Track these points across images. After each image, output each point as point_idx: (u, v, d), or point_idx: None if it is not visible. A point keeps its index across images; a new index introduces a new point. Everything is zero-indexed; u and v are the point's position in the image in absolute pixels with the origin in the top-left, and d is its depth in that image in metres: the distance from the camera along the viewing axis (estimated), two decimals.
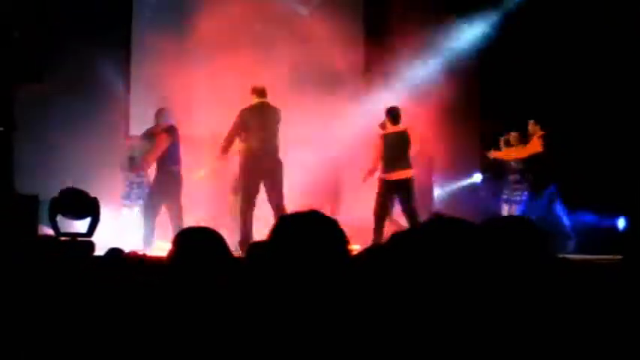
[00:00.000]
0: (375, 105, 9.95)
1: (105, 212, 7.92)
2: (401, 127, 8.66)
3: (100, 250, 5.98)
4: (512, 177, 9.64)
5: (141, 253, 8.43)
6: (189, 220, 8.59)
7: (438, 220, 2.11)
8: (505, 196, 9.66)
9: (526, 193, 9.55)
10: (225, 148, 8.60)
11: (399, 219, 8.78)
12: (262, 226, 8.55)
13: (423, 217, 8.18)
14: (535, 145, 9.34)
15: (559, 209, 9.26)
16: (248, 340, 2.08)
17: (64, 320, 2.91)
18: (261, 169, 8.48)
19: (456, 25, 10.20)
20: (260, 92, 8.65)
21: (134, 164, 9.70)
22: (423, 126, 9.51)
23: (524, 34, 10.12)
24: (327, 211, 2.34)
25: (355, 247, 2.46)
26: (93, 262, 4.76)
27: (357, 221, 9.36)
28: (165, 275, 2.75)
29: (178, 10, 10.40)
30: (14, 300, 3.08)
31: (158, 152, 9.09)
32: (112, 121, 10.30)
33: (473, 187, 10.48)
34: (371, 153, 8.72)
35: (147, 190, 9.50)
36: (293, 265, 2.10)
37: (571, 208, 9.37)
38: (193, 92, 9.91)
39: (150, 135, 9.38)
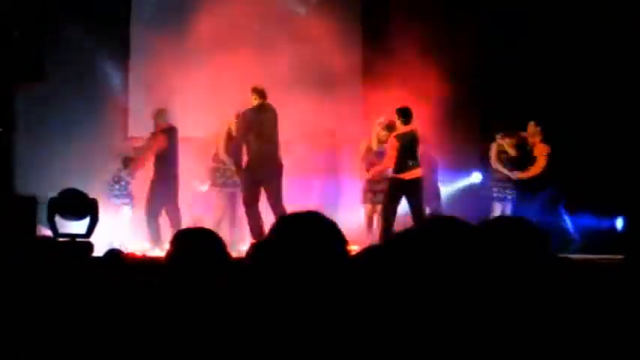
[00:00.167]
0: (374, 105, 9.96)
1: (105, 212, 7.93)
2: (412, 126, 8.77)
3: (104, 249, 5.97)
4: (499, 174, 9.58)
5: (141, 253, 8.48)
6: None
7: (437, 220, 2.10)
8: (495, 195, 9.59)
9: (514, 191, 9.54)
10: (239, 156, 8.69)
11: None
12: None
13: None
14: (539, 166, 9.28)
15: (561, 212, 9.25)
16: (247, 341, 2.07)
17: (63, 321, 2.91)
18: (264, 170, 8.54)
19: (455, 25, 10.19)
20: (261, 93, 8.69)
21: (129, 165, 9.69)
22: (423, 126, 9.51)
23: (524, 34, 10.12)
24: (325, 212, 2.34)
25: (354, 248, 2.45)
26: (92, 263, 4.76)
27: (358, 221, 9.44)
28: (163, 276, 2.75)
29: (178, 10, 10.40)
30: (13, 301, 3.08)
31: (153, 151, 9.11)
32: (112, 121, 10.30)
33: (472, 187, 10.46)
34: (388, 153, 8.78)
35: (128, 190, 9.53)
36: (292, 265, 2.10)
37: (570, 208, 9.36)
38: (193, 92, 9.91)
39: (149, 136, 9.41)
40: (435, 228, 2.09)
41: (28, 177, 8.85)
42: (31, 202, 7.33)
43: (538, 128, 9.36)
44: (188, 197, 9.61)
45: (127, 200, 9.78)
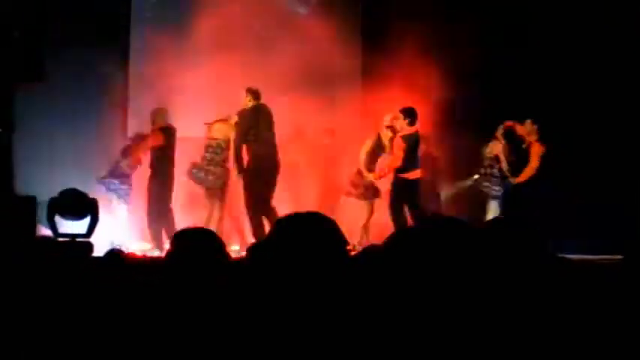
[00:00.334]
0: (374, 105, 9.96)
1: (104, 213, 7.93)
2: (416, 127, 8.92)
3: (104, 248, 5.98)
4: (491, 170, 9.53)
5: (141, 253, 8.49)
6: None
7: (436, 221, 2.11)
8: (495, 193, 9.53)
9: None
10: (240, 157, 8.76)
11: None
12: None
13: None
14: (532, 168, 9.23)
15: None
16: (247, 341, 2.07)
17: (62, 321, 2.91)
18: (267, 169, 8.63)
19: (455, 25, 10.17)
20: (255, 94, 8.83)
21: (127, 155, 9.61)
22: (423, 126, 9.51)
23: (525, 34, 10.11)
24: (325, 212, 2.34)
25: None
26: (92, 263, 4.76)
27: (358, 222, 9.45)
28: (163, 276, 2.75)
29: (178, 10, 10.39)
30: (13, 301, 3.08)
31: (149, 147, 9.14)
32: (112, 121, 10.29)
33: (472, 187, 10.44)
34: (395, 153, 8.90)
35: (127, 185, 9.51)
36: (292, 266, 2.10)
37: (569, 208, 9.36)
38: (193, 92, 9.91)
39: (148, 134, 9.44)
40: (434, 228, 2.09)
41: (28, 177, 8.85)
42: (31, 202, 7.33)
43: (535, 127, 9.31)
44: (184, 198, 9.63)
45: (122, 192, 9.65)
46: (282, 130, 9.47)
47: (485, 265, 2.09)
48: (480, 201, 9.74)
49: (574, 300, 2.27)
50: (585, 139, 9.71)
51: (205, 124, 9.36)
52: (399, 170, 8.84)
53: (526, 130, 9.35)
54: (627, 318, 2.38)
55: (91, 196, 7.61)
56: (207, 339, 2.32)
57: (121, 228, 9.49)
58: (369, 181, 9.32)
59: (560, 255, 2.46)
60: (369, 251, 2.74)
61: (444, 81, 9.85)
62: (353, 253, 2.75)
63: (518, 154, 9.38)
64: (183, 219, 9.17)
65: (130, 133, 10.12)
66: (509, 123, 9.41)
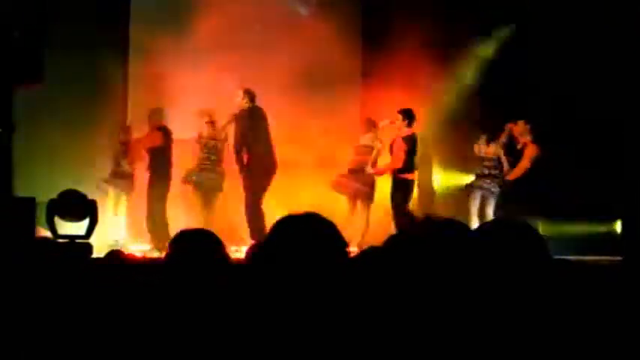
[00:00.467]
0: (374, 105, 9.96)
1: (103, 213, 7.93)
2: (414, 129, 8.98)
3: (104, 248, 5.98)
4: (491, 171, 9.53)
5: (141, 254, 8.49)
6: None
7: (435, 222, 2.10)
8: (493, 190, 9.50)
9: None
10: (242, 158, 8.83)
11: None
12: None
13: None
14: (521, 168, 9.22)
15: None
16: (247, 342, 2.07)
17: (62, 321, 2.91)
18: (263, 170, 8.82)
19: (455, 25, 10.18)
20: (252, 95, 8.89)
21: (127, 149, 9.60)
22: (423, 126, 9.52)
23: (525, 34, 10.11)
24: (324, 212, 2.34)
25: (353, 250, 2.46)
26: (92, 264, 4.76)
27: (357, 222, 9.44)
28: (162, 276, 2.75)
29: (178, 10, 10.39)
30: (13, 302, 3.08)
31: (147, 146, 9.17)
32: (111, 122, 10.29)
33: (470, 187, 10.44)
34: (396, 154, 8.94)
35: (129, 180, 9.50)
36: (291, 267, 2.10)
37: (567, 211, 9.37)
38: (192, 92, 9.92)
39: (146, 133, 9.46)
40: (433, 230, 2.09)
41: (28, 177, 8.85)
42: (30, 203, 7.33)
43: (528, 127, 9.29)
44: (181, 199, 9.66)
45: (128, 192, 9.64)
46: (282, 130, 9.48)
47: (485, 267, 2.09)
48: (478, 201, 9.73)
49: (573, 301, 2.27)
50: (585, 139, 9.70)
51: (207, 123, 9.34)
52: (399, 171, 8.91)
53: (519, 130, 9.33)
54: (627, 319, 2.38)
55: (91, 197, 7.60)
56: (207, 340, 2.32)
57: (121, 229, 9.50)
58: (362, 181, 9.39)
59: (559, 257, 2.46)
60: (369, 253, 2.74)
61: (444, 81, 9.86)
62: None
63: (512, 154, 9.39)
64: (182, 220, 9.18)
65: (130, 133, 10.12)
66: (510, 125, 9.41)
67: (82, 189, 7.63)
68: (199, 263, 2.71)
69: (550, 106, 9.67)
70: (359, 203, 9.46)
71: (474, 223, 8.77)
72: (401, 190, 8.93)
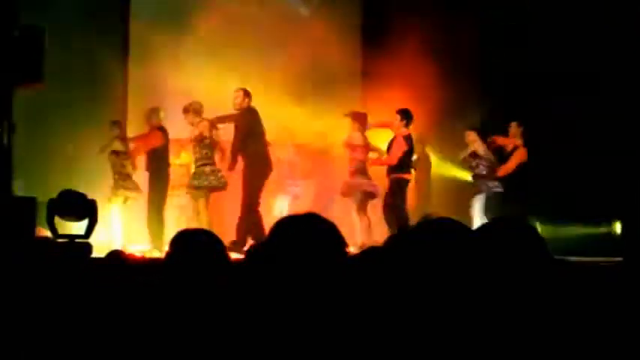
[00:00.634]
0: (373, 105, 9.97)
1: (104, 213, 7.94)
2: (411, 129, 9.05)
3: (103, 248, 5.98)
4: (490, 171, 9.53)
5: (141, 254, 8.49)
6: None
7: (435, 222, 2.10)
8: (494, 189, 9.49)
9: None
10: (236, 156, 8.85)
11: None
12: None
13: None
14: (508, 167, 9.20)
15: None
16: (247, 342, 2.07)
17: (62, 321, 2.91)
18: (261, 171, 8.88)
19: (455, 25, 10.18)
20: (250, 95, 8.93)
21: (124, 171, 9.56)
22: (423, 126, 9.53)
23: (525, 34, 10.11)
24: (324, 213, 2.34)
25: (352, 250, 2.46)
26: (92, 264, 4.76)
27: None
28: (162, 276, 2.75)
29: (178, 10, 10.40)
30: (13, 301, 3.08)
31: (148, 147, 9.19)
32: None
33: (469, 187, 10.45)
34: (394, 152, 8.98)
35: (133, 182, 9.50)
36: (291, 267, 2.10)
37: (565, 212, 9.38)
38: (192, 93, 9.92)
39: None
40: (433, 230, 2.09)
41: (28, 177, 8.85)
42: (30, 202, 7.33)
43: (520, 129, 9.28)
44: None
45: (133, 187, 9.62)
46: (282, 130, 9.49)
47: (485, 267, 2.09)
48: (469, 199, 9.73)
49: (573, 302, 2.27)
50: (584, 140, 9.70)
51: (208, 121, 9.32)
52: (398, 170, 8.91)
53: (511, 132, 9.32)
54: (627, 319, 2.38)
55: (90, 197, 7.59)
56: (207, 340, 2.32)
57: (122, 228, 9.51)
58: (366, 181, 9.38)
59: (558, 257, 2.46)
60: (369, 252, 2.74)
61: (444, 81, 9.87)
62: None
63: (501, 155, 9.41)
64: (182, 220, 9.20)
65: (130, 133, 10.13)
66: (495, 137, 9.44)
67: (82, 189, 7.62)
68: (199, 263, 2.71)
69: (550, 106, 9.67)
70: (367, 203, 9.44)
71: (474, 223, 8.76)
72: (397, 189, 8.94)
